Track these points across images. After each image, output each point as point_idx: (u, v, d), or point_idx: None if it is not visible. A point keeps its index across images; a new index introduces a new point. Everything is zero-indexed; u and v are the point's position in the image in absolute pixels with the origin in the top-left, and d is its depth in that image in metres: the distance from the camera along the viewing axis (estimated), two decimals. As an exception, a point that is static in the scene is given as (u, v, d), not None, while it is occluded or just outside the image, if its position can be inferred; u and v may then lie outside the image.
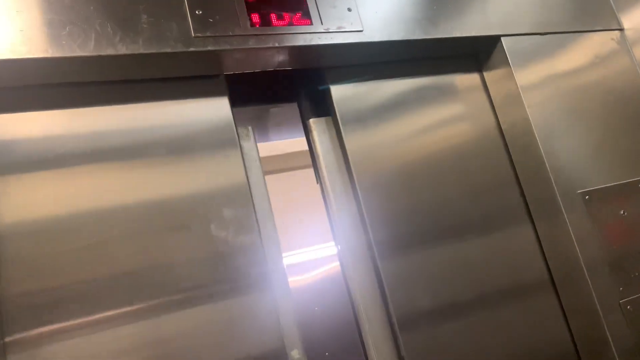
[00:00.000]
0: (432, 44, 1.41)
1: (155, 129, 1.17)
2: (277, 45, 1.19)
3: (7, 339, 0.94)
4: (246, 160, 1.27)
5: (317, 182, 1.44)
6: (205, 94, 1.24)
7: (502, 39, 1.48)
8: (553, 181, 1.40)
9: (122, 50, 1.03)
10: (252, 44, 1.16)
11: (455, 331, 1.32)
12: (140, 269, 1.07)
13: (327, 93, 1.41)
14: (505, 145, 1.55)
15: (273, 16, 1.21)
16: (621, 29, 1.66)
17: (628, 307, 1.37)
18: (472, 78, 1.58)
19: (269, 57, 1.23)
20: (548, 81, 1.51)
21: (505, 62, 1.48)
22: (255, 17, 1.19)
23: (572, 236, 1.37)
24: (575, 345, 1.43)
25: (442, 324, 1.31)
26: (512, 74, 1.46)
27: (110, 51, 1.02)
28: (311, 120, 1.43)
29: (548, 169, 1.41)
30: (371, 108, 1.42)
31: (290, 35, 1.21)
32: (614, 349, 1.32)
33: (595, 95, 1.56)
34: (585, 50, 1.59)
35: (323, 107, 1.44)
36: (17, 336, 0.96)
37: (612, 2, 1.68)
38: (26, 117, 1.07)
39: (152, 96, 1.19)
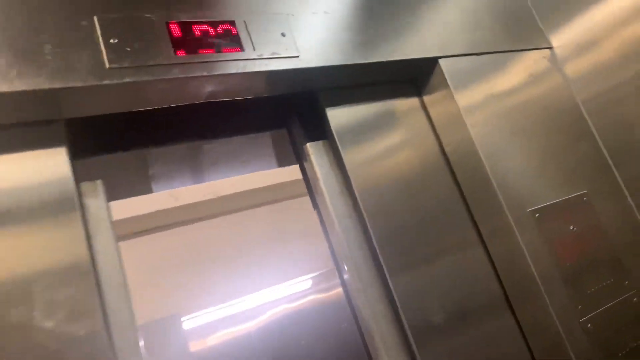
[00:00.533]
0: (371, 68, 1.34)
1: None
2: (205, 74, 1.07)
3: None
4: (91, 223, 1.04)
5: (315, 209, 1.45)
6: (39, 144, 1.00)
7: (440, 60, 1.44)
8: (502, 201, 1.36)
9: (20, 86, 0.88)
10: (177, 73, 1.04)
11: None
12: None
13: (323, 116, 1.40)
14: (450, 168, 1.50)
15: (200, 43, 1.09)
16: (550, 47, 1.68)
17: (589, 325, 1.33)
18: (412, 102, 1.54)
19: (197, 87, 1.11)
20: (488, 101, 1.49)
21: (444, 84, 1.44)
22: (180, 45, 1.07)
23: (527, 256, 1.32)
24: (538, 368, 1.38)
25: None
26: (452, 95, 1.42)
27: (4, 88, 0.86)
28: (308, 145, 1.40)
29: (496, 188, 1.36)
30: (363, 130, 1.42)
31: (221, 62, 1.09)
32: (578, 370, 1.27)
33: (533, 112, 1.55)
34: (520, 69, 1.59)
35: (316, 131, 1.44)
36: None
37: (539, 22, 1.70)
38: None
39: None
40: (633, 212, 1.54)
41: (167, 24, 1.08)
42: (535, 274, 1.30)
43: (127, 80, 0.98)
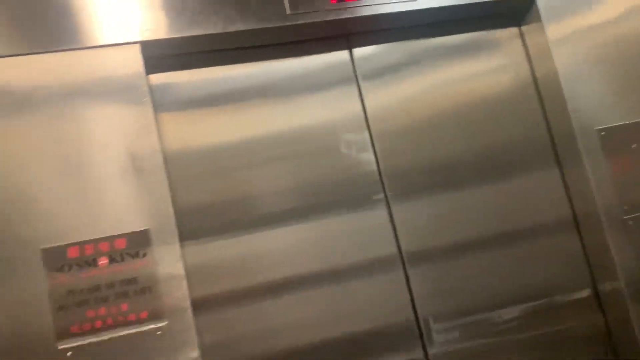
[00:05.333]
0: (478, 6, 1.69)
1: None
2: (350, 16, 1.56)
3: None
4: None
5: None
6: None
7: (538, -4, 1.70)
8: (572, 120, 1.65)
9: (240, 27, 1.46)
10: (332, 16, 1.54)
11: (477, 267, 1.67)
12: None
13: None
14: (539, 93, 1.81)
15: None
16: (654, -19, 1.79)
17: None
18: (512, 32, 1.84)
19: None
20: (578, 34, 1.71)
21: (538, 19, 1.71)
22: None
23: (590, 175, 1.64)
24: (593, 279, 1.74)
25: (460, 259, 1.67)
26: (544, 29, 1.70)
27: (232, 28, 1.46)
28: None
29: (569, 110, 1.66)
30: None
31: (360, 7, 1.56)
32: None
33: (625, 44, 1.74)
34: (620, 3, 1.77)
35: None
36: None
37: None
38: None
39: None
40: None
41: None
42: (594, 196, 1.63)
43: (300, 22, 1.50)
